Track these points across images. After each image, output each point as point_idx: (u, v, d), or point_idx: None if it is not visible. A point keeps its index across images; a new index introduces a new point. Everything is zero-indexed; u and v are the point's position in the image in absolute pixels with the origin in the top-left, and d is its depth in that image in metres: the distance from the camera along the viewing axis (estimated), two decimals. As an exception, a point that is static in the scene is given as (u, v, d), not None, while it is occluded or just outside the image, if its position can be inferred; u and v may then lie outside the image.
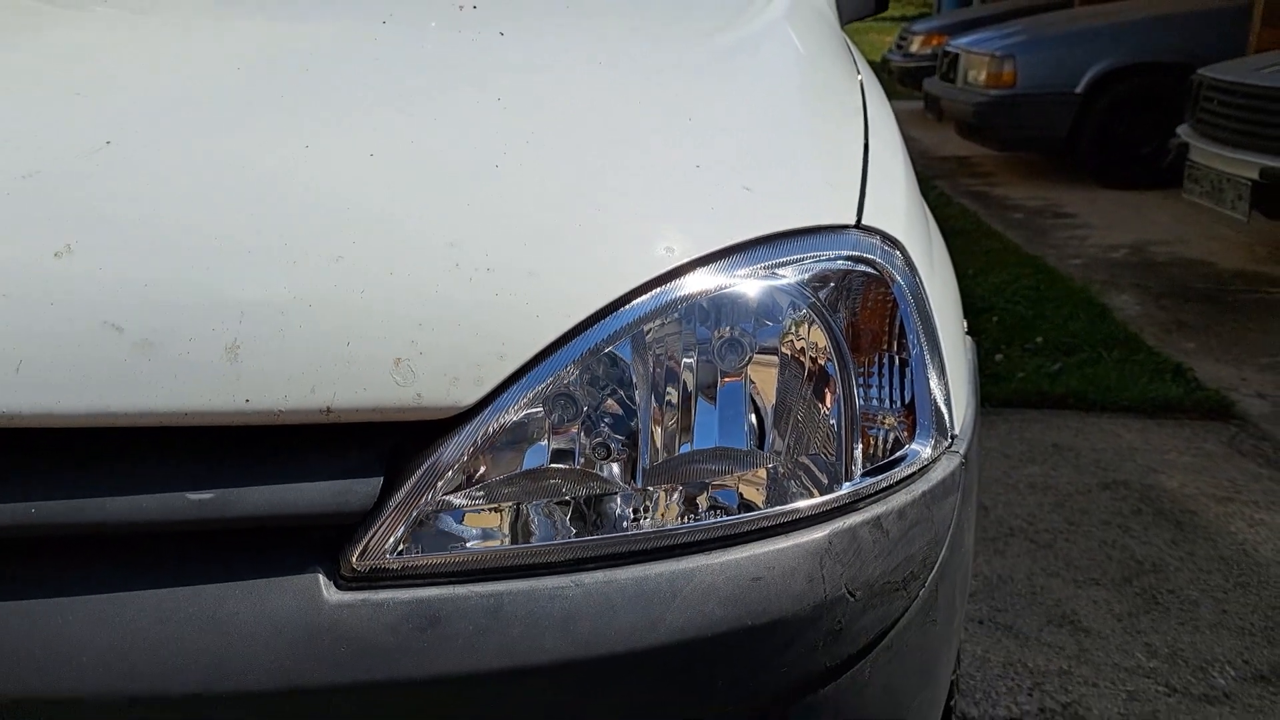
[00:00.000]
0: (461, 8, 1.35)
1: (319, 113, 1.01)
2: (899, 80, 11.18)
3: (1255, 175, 4.49)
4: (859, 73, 1.53)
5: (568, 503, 0.88)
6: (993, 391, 3.42)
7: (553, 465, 0.87)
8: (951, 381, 1.01)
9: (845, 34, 1.90)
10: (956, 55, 7.71)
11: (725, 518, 0.86)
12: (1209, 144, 4.93)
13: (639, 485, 0.89)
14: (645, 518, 0.89)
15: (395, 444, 0.82)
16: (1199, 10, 7.12)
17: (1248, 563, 2.40)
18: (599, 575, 0.81)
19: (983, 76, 7.31)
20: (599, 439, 0.89)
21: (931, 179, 7.44)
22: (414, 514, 0.81)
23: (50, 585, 0.76)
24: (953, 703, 1.35)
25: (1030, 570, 2.35)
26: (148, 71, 1.10)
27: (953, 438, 0.99)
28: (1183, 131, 5.26)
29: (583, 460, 0.88)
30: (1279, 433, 3.18)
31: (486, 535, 0.85)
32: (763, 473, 0.91)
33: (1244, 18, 6.62)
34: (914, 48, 10.86)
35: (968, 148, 8.18)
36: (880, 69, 11.41)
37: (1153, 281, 4.89)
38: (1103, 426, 3.22)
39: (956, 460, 0.97)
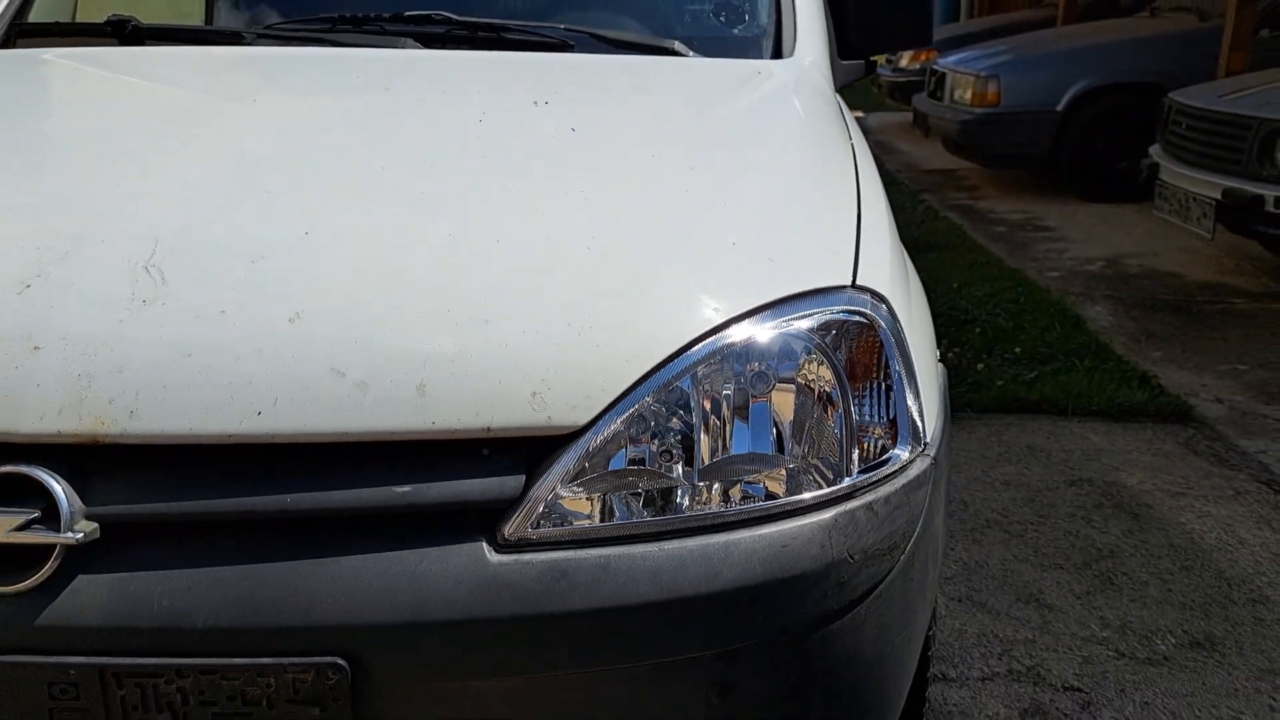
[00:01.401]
0: (536, 104, 1.70)
1: (449, 207, 1.36)
2: (889, 94, 11.55)
3: (1219, 195, 4.84)
4: (850, 138, 1.88)
5: (642, 493, 1.22)
6: (974, 398, 3.76)
7: (633, 467, 1.21)
8: (925, 401, 1.36)
9: (838, 95, 2.24)
10: (944, 74, 8.06)
11: (761, 504, 1.20)
12: (1177, 165, 5.29)
13: (694, 481, 1.23)
14: (700, 504, 1.23)
15: (530, 452, 1.16)
16: (1173, 33, 7.49)
17: (1193, 549, 2.75)
18: (674, 543, 1.15)
19: (969, 95, 7.66)
20: (665, 447, 1.23)
21: (920, 192, 7.79)
22: (545, 501, 1.15)
23: (300, 552, 1.10)
24: (930, 652, 1.68)
25: (1003, 556, 2.70)
26: (314, 172, 1.45)
27: (925, 444, 1.33)
28: (1154, 152, 5.62)
29: (654, 463, 1.22)
30: (1232, 434, 3.53)
31: (591, 516, 1.19)
32: (783, 471, 1.26)
33: (1215, 40, 6.96)
34: (903, 63, 11.21)
35: (954, 162, 8.53)
36: (870, 83, 11.77)
37: (1125, 293, 5.24)
38: (1072, 430, 3.57)
39: (928, 461, 1.32)
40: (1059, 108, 7.35)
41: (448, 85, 1.82)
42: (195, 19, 2.71)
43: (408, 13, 2.09)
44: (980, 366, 4.11)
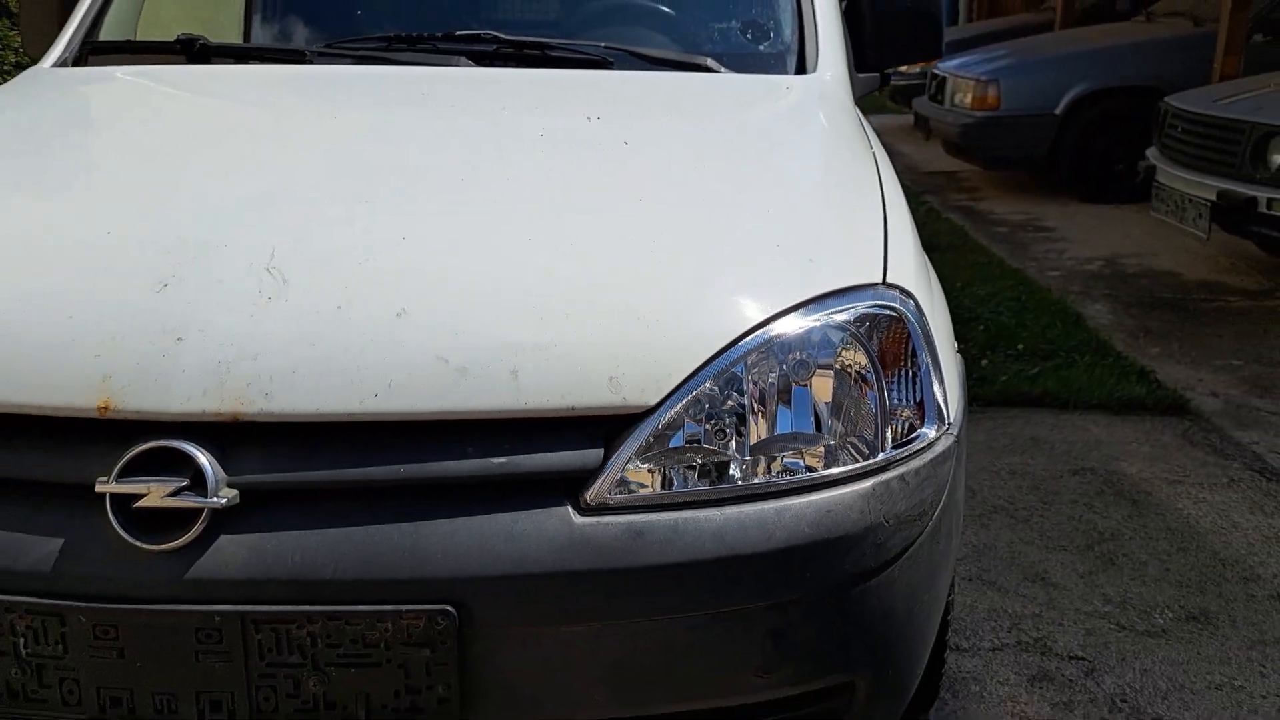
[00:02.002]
0: (589, 119, 1.86)
1: (524, 213, 1.53)
2: (890, 97, 11.72)
3: (1213, 197, 5.01)
4: (871, 147, 2.05)
5: (698, 466, 1.39)
6: (979, 393, 3.93)
7: (692, 443, 1.38)
8: (948, 386, 1.53)
9: (857, 108, 2.41)
10: (944, 79, 8.23)
11: (807, 475, 1.37)
12: (1173, 167, 5.45)
13: (745, 456, 1.40)
14: (750, 476, 1.40)
15: (607, 429, 1.33)
16: (1168, 38, 7.66)
17: (1189, 532, 2.92)
18: (733, 509, 1.32)
19: (969, 99, 7.83)
20: (719, 426, 1.40)
21: (922, 194, 7.95)
22: (621, 471, 1.31)
23: (413, 515, 1.26)
24: (949, 618, 1.85)
25: (1010, 540, 2.86)
26: (401, 182, 1.62)
27: (949, 424, 1.50)
28: (1150, 154, 5.79)
29: (710, 440, 1.38)
30: (1227, 426, 3.70)
31: (654, 485, 1.36)
32: (823, 447, 1.42)
33: (1210, 44, 7.13)
34: (904, 67, 11.39)
35: (955, 164, 8.69)
36: (871, 86, 11.92)
37: (1123, 292, 5.41)
38: (1074, 422, 3.73)
39: (952, 439, 1.49)
40: (1057, 111, 7.51)
41: (506, 102, 1.99)
42: (233, 35, 2.88)
43: (458, 32, 2.26)
44: (984, 362, 4.27)
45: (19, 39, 4.07)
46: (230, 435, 1.26)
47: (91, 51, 2.43)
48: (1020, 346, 4.46)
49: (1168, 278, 5.65)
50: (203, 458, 1.23)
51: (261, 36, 2.75)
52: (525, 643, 1.28)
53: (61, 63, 2.38)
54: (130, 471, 1.23)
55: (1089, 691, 2.21)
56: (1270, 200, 4.75)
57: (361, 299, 1.34)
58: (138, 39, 2.61)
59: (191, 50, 2.31)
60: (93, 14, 2.48)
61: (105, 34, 2.50)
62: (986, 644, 2.37)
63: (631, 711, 1.34)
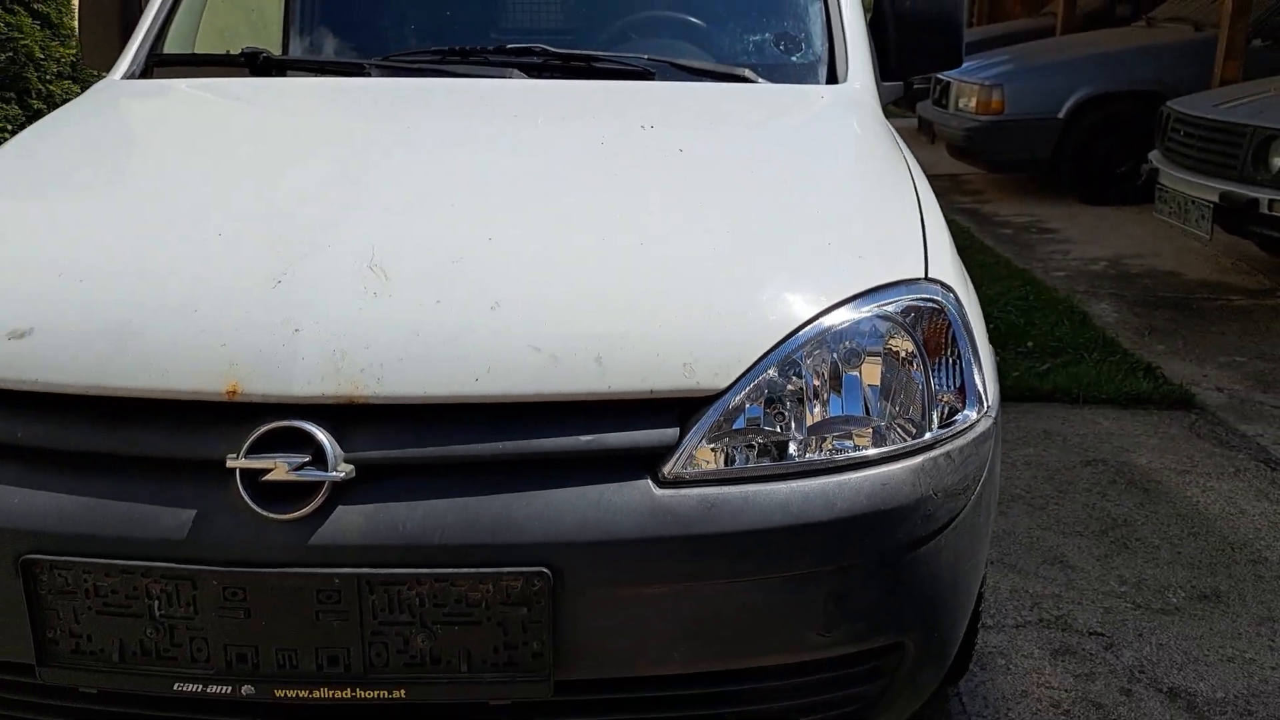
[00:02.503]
0: (644, 128, 2.00)
1: (597, 215, 1.66)
2: (894, 102, 11.85)
3: (1216, 199, 5.15)
4: (902, 151, 2.18)
5: (759, 444, 1.52)
6: (992, 388, 4.06)
7: (754, 424, 1.51)
8: (985, 372, 1.66)
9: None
10: (949, 83, 8.36)
11: (864, 452, 1.50)
12: (1176, 169, 5.59)
13: (803, 435, 1.53)
14: (808, 454, 1.53)
15: (681, 410, 1.46)
16: (1170, 43, 7.81)
17: (1199, 518, 3.05)
18: (798, 482, 1.45)
19: (973, 103, 7.98)
20: (779, 409, 1.53)
21: (927, 197, 8.09)
22: (694, 448, 1.44)
23: (511, 487, 1.39)
24: (984, 589, 1.97)
25: (1029, 526, 2.99)
26: (481, 188, 1.75)
27: (988, 407, 1.63)
28: (1153, 157, 5.93)
29: (772, 421, 1.52)
30: (1232, 419, 3.83)
31: (723, 462, 1.48)
32: (873, 428, 1.55)
33: (1210, 49, 7.28)
34: (907, 71, 11.51)
35: (959, 167, 8.84)
36: (874, 90, 12.06)
37: (1128, 291, 5.55)
38: (1084, 416, 3.87)
39: (991, 420, 1.62)
40: (1060, 115, 7.65)
41: (564, 112, 2.12)
42: (271, 46, 3.00)
43: (509, 45, 2.39)
44: (996, 359, 4.39)
45: (61, 49, 4.20)
46: (345, 416, 1.39)
47: (156, 64, 2.57)
48: (1030, 344, 4.59)
49: (1171, 277, 5.79)
50: (322, 436, 1.37)
51: (299, 47, 2.88)
52: (611, 602, 1.41)
53: (129, 75, 2.51)
54: (256, 449, 1.37)
55: (1109, 664, 2.34)
56: (1271, 201, 4.88)
57: (458, 293, 1.47)
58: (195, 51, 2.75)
59: (254, 63, 2.45)
60: (157, 27, 2.61)
61: (167, 47, 2.63)
62: (1010, 621, 2.51)
63: (705, 666, 1.47)
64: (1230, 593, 2.64)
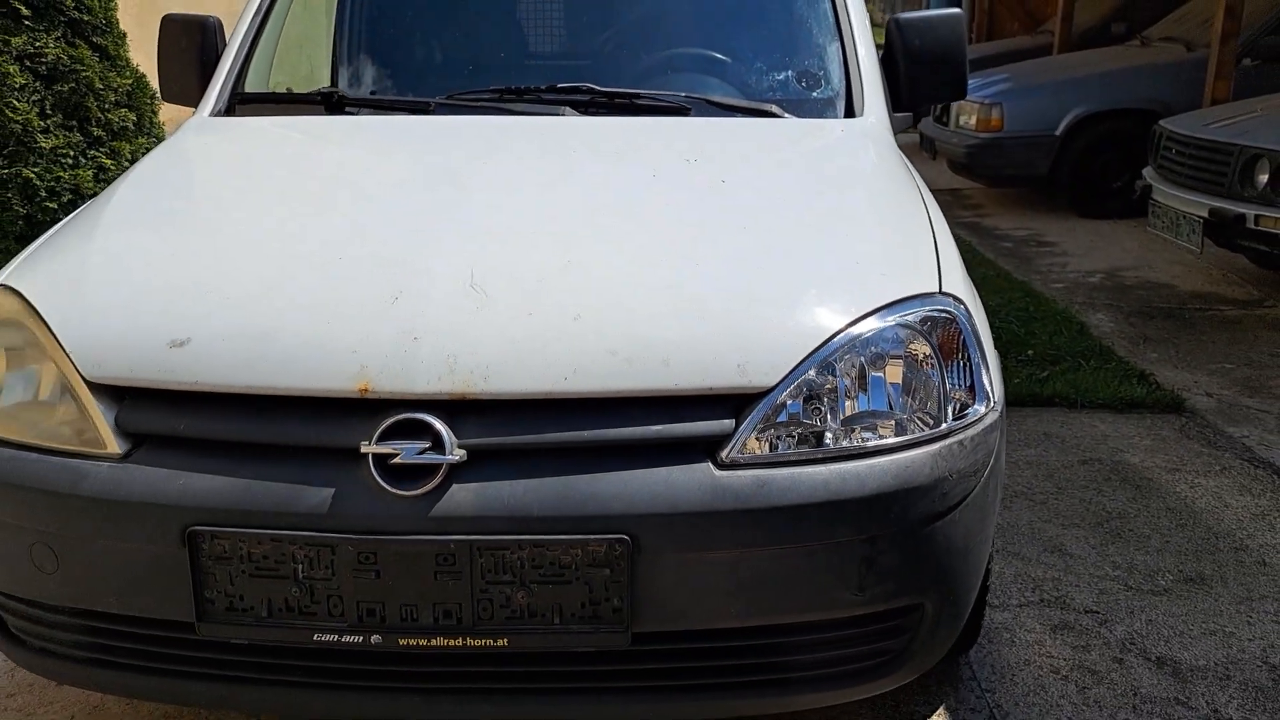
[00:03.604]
0: (689, 161, 2.28)
1: (656, 238, 1.94)
2: (894, 118, 12.12)
3: (1206, 214, 5.42)
4: (915, 178, 2.46)
5: (799, 434, 1.78)
6: (995, 394, 4.32)
7: (794, 417, 1.78)
8: (991, 373, 1.93)
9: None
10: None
11: (890, 440, 1.77)
12: (1168, 186, 5.86)
13: (837, 426, 1.79)
14: (841, 442, 1.79)
15: (736, 404, 1.72)
16: (1162, 63, 8.10)
17: (1187, 511, 3.31)
18: (835, 465, 1.71)
19: (973, 121, 8.26)
20: (815, 404, 1.80)
21: (930, 212, 8.36)
22: (746, 437, 1.71)
23: (597, 468, 1.65)
24: (990, 567, 2.23)
25: (1030, 519, 3.26)
26: (554, 216, 2.02)
27: (995, 403, 1.90)
28: (1147, 174, 6.20)
29: (810, 414, 1.78)
30: (1220, 422, 4.10)
31: (771, 448, 1.75)
32: (896, 420, 1.82)
33: (1202, 68, 7.56)
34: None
35: (960, 182, 9.13)
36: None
37: (1123, 302, 5.82)
38: (1082, 420, 4.13)
39: (998, 414, 1.89)
40: (1057, 132, 7.94)
41: (616, 147, 2.40)
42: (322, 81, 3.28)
43: (560, 84, 2.67)
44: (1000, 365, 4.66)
45: (118, 79, 4.48)
46: (458, 409, 1.66)
47: (239, 101, 2.84)
48: (1030, 352, 4.86)
49: (1164, 289, 6.06)
50: (440, 426, 1.63)
51: (346, 84, 3.15)
52: (679, 565, 1.68)
53: (216, 112, 2.79)
54: (385, 437, 1.63)
55: (1103, 637, 2.61)
56: (1258, 216, 5.15)
57: (545, 307, 1.74)
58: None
59: (330, 101, 2.73)
60: (238, 68, 2.89)
61: (248, 86, 2.91)
62: (1014, 601, 2.77)
63: (756, 621, 1.73)
64: (1213, 576, 2.91)
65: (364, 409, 1.66)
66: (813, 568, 1.71)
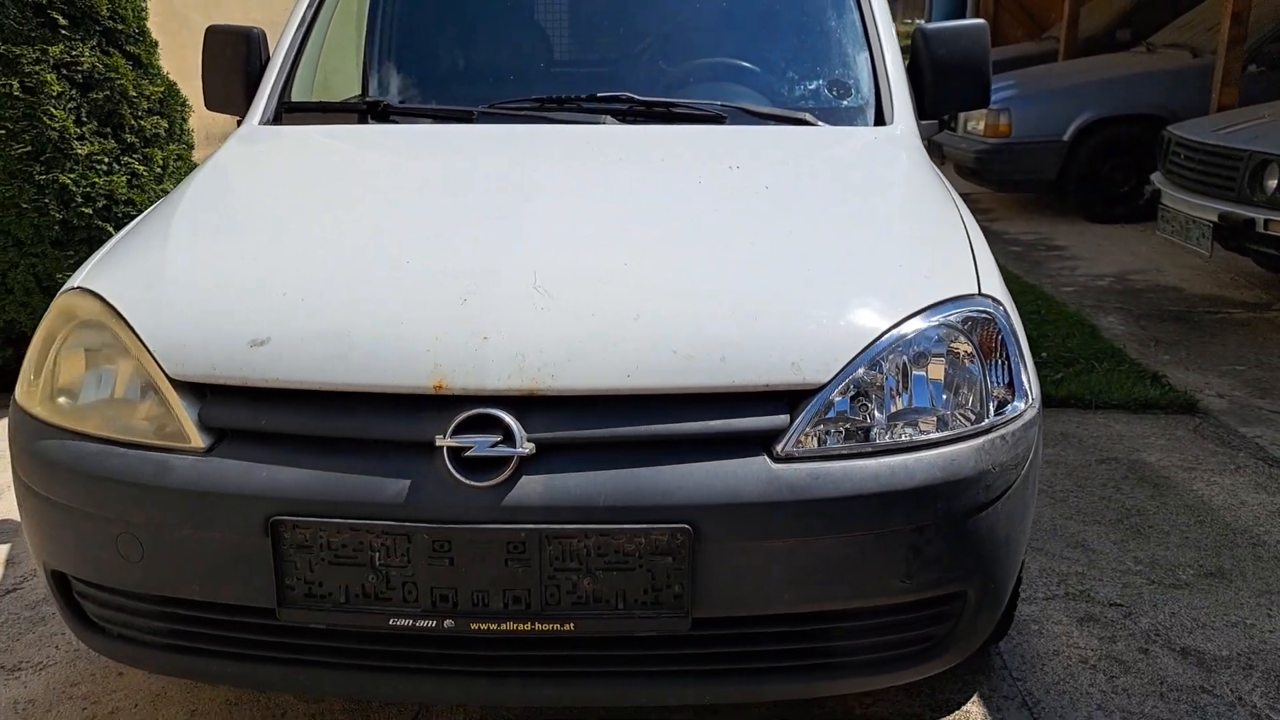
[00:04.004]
0: (731, 168, 2.36)
1: (709, 242, 2.02)
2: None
3: (1215, 218, 5.51)
4: (944, 183, 2.54)
5: (845, 430, 1.86)
6: (1012, 395, 4.41)
7: (843, 412, 1.86)
8: (1030, 371, 2.01)
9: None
10: (958, 108, 8.74)
11: (937, 434, 1.85)
12: (1177, 191, 5.95)
13: (884, 421, 1.88)
14: (889, 437, 1.87)
15: (790, 400, 1.81)
16: (1168, 69, 8.20)
17: (1205, 509, 3.40)
18: (885, 458, 1.79)
19: (982, 126, 8.36)
20: (863, 401, 1.88)
21: (939, 217, 8.45)
22: (799, 432, 1.79)
23: (660, 461, 1.73)
24: (1024, 558, 2.32)
25: (1052, 516, 3.34)
26: (609, 219, 2.11)
27: (1032, 400, 1.98)
28: (1155, 179, 6.29)
29: (858, 410, 1.87)
30: (1233, 423, 4.18)
31: (822, 442, 1.83)
32: (938, 416, 1.90)
33: (1207, 75, 7.66)
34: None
35: (969, 187, 9.20)
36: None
37: (1134, 305, 5.91)
38: (1097, 420, 4.22)
39: (1036, 410, 1.98)
40: (1065, 137, 8.04)
41: (662, 154, 2.49)
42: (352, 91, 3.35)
43: (600, 94, 2.75)
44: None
45: (150, 86, 4.56)
46: (527, 404, 1.74)
47: (286, 110, 2.93)
48: (1044, 355, 4.94)
49: (1173, 292, 6.15)
50: (510, 420, 1.72)
51: (379, 93, 3.22)
52: (737, 553, 1.76)
53: (265, 120, 2.87)
54: (458, 431, 1.72)
55: (1128, 629, 2.69)
56: (1267, 221, 5.24)
57: (607, 308, 1.83)
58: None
59: (376, 109, 2.81)
60: (284, 78, 2.98)
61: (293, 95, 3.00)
62: (1041, 595, 2.85)
63: (809, 607, 1.81)
64: (1233, 570, 2.99)
65: (437, 405, 1.75)
66: (863, 556, 1.79)
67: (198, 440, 1.79)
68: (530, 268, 1.89)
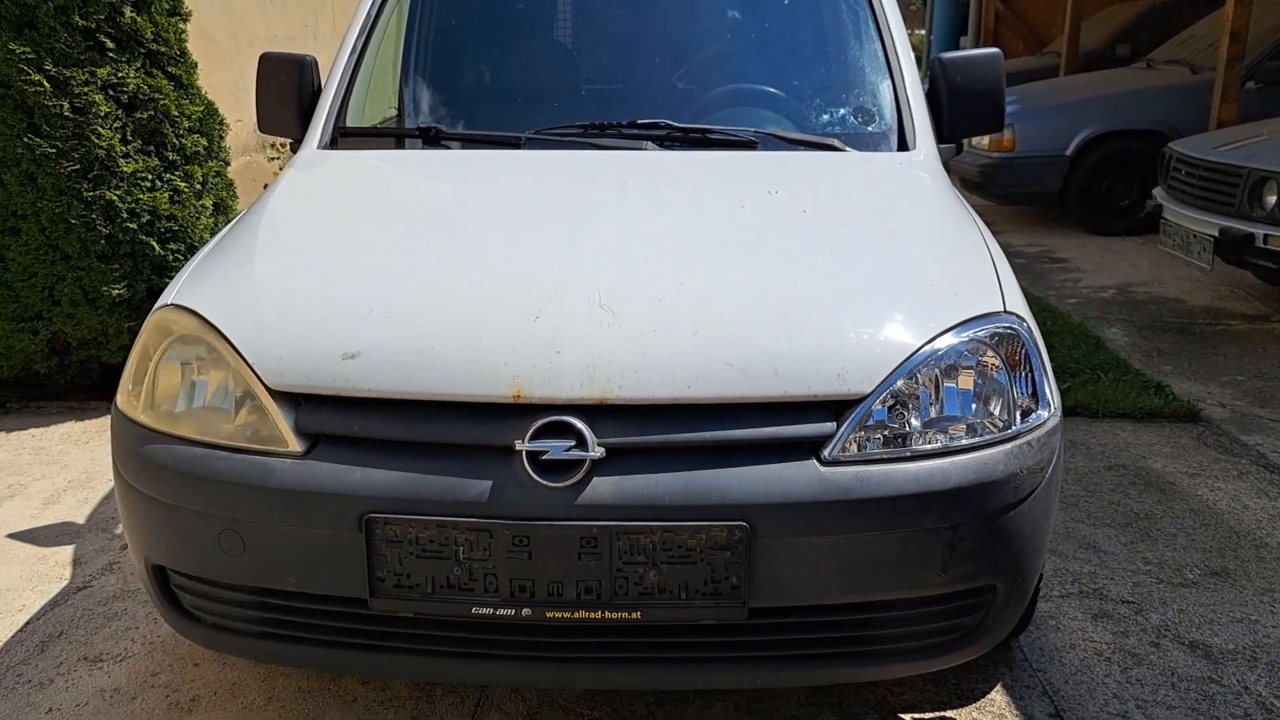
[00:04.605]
0: (769, 192, 2.54)
1: (756, 262, 2.19)
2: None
3: (1216, 233, 5.69)
4: (965, 205, 2.71)
5: (884, 436, 2.03)
6: (1022, 404, 4.58)
7: (882, 420, 2.03)
8: (1051, 382, 2.18)
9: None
10: (962, 123, 8.93)
11: (970, 440, 2.02)
12: (1178, 206, 6.13)
13: (920, 428, 2.05)
14: (924, 443, 2.04)
15: (836, 409, 1.98)
16: (1168, 85, 8.39)
17: (1209, 513, 3.57)
18: (922, 463, 1.96)
19: (986, 141, 8.55)
20: (900, 410, 2.05)
21: (944, 230, 8.63)
22: (845, 438, 1.96)
23: (719, 464, 1.90)
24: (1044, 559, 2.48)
25: (1065, 520, 3.51)
26: (661, 242, 2.28)
27: (1055, 409, 2.15)
28: (1157, 194, 6.47)
29: (896, 419, 2.04)
30: (1234, 431, 4.35)
31: (862, 448, 2.00)
32: (966, 425, 2.07)
33: (1206, 91, 7.85)
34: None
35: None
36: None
37: (1136, 317, 6.08)
38: (1104, 429, 4.39)
39: (1059, 418, 2.15)
40: (1068, 152, 8.24)
41: (704, 178, 2.66)
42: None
43: (640, 120, 2.92)
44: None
45: (190, 106, 4.73)
46: (597, 412, 1.91)
47: (341, 135, 3.10)
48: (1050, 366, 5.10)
49: (1175, 304, 6.33)
50: (582, 426, 1.89)
51: (414, 115, 3.38)
52: (789, 548, 1.92)
53: (322, 145, 3.05)
54: (535, 436, 1.89)
55: (1140, 624, 2.85)
56: (1266, 236, 5.42)
57: (666, 324, 2.00)
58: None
59: (428, 135, 2.98)
60: (339, 105, 3.15)
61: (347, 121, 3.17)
62: (1056, 593, 3.02)
63: (854, 598, 1.98)
64: (1237, 570, 3.16)
65: (516, 413, 1.92)
66: (904, 551, 1.96)
67: (294, 445, 1.96)
68: (593, 286, 2.06)
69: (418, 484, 1.90)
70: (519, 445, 1.88)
